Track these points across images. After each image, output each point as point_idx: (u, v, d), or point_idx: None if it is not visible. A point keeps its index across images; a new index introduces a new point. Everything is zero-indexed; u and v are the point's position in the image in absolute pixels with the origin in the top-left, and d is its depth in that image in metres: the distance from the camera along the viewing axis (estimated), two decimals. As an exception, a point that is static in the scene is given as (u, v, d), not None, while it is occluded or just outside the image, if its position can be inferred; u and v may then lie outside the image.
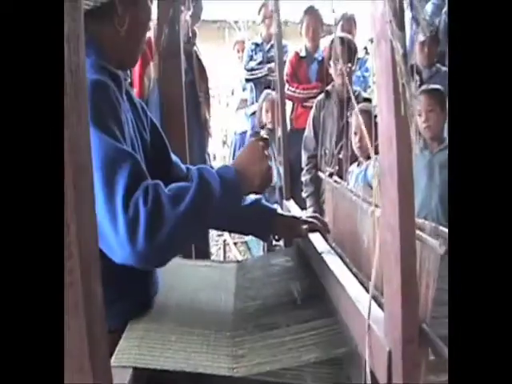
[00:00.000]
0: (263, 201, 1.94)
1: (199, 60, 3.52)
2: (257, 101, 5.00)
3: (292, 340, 1.40)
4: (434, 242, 1.08)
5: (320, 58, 4.59)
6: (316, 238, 1.84)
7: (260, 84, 5.06)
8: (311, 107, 4.20)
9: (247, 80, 5.27)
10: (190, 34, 3.30)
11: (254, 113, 5.08)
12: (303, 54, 4.57)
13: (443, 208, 3.02)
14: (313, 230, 1.90)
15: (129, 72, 1.69)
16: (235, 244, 5.20)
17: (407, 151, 0.87)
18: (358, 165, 3.28)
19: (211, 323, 1.52)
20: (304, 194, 3.91)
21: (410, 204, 0.87)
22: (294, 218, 2.00)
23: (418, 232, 1.11)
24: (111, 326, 0.98)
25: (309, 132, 3.88)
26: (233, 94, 6.63)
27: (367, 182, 3.01)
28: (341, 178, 2.10)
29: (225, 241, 5.13)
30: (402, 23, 0.86)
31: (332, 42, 3.65)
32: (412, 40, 4.12)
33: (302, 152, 3.93)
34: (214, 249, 5.44)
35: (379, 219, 1.09)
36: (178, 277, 1.88)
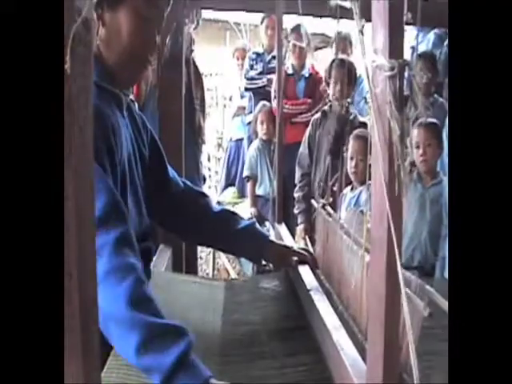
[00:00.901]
0: (257, 225, 1.97)
1: (196, 67, 3.54)
2: (254, 110, 5.03)
3: (276, 375, 1.44)
4: (418, 303, 1.11)
5: (307, 75, 4.67)
6: (305, 272, 1.87)
7: (259, 94, 5.07)
8: (300, 123, 4.27)
9: (246, 89, 5.29)
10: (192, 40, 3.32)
11: (250, 122, 5.11)
12: (290, 71, 4.63)
13: (431, 243, 3.05)
14: (302, 262, 1.94)
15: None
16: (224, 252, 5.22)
17: (398, 227, 0.91)
18: (352, 189, 3.32)
19: (198, 347, 1.55)
20: (296, 211, 3.95)
21: (397, 277, 0.90)
22: (286, 247, 2.03)
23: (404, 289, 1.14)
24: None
25: (304, 149, 3.92)
26: (231, 99, 6.62)
27: (359, 207, 3.05)
28: (334, 205, 2.14)
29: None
30: (402, 104, 0.88)
31: (332, 62, 3.68)
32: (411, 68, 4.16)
33: (296, 168, 3.97)
34: (204, 254, 5.46)
35: (368, 270, 1.13)
36: (168, 293, 1.90)
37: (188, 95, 3.29)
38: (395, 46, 0.89)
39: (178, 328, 1.29)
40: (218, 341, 1.63)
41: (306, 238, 3.87)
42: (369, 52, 0.95)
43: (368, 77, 0.95)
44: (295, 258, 1.95)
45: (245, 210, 4.86)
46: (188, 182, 1.97)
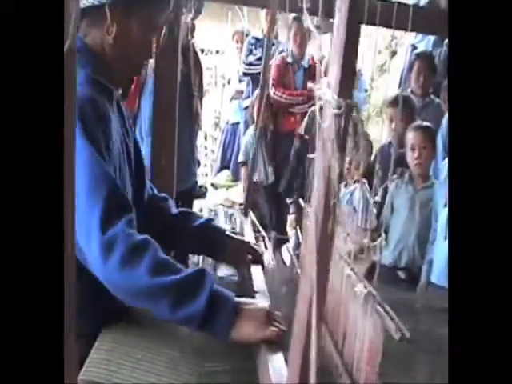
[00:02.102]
0: (213, 222, 1.98)
1: (195, 53, 3.54)
2: (252, 95, 5.02)
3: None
4: (391, 327, 1.13)
5: (306, 66, 4.65)
6: (256, 273, 1.88)
7: (257, 79, 5.05)
8: (296, 113, 4.26)
9: (244, 74, 5.28)
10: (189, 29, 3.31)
11: (247, 107, 5.10)
12: (290, 59, 4.60)
13: (419, 245, 3.09)
14: (256, 262, 1.95)
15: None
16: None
17: (325, 264, 0.94)
18: (346, 185, 3.34)
19: (178, 345, 1.57)
20: (288, 201, 3.98)
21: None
22: (243, 242, 2.02)
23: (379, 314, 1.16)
24: (84, 329, 1.06)
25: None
26: (229, 83, 6.60)
27: (352, 205, 3.07)
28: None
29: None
30: (344, 144, 0.89)
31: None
32: (409, 67, 4.16)
33: (291, 159, 3.99)
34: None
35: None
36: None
37: (186, 81, 3.30)
38: (345, 86, 0.90)
39: (197, 273, 1.42)
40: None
41: (297, 228, 3.91)
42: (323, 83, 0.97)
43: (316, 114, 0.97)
44: (250, 257, 1.95)
45: (238, 194, 4.88)
46: (154, 188, 1.97)
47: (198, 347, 1.56)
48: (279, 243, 3.71)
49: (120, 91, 1.71)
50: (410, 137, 3.14)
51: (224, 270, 2.07)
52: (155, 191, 1.95)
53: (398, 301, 2.04)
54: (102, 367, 1.39)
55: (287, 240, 4.43)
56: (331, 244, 0.96)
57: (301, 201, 2.40)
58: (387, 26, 1.29)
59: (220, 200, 4.84)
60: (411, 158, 3.15)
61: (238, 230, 2.80)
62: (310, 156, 3.59)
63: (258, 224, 3.89)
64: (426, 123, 3.21)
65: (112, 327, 1.56)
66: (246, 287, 1.88)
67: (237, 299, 1.43)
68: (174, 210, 1.93)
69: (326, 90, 0.94)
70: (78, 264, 0.90)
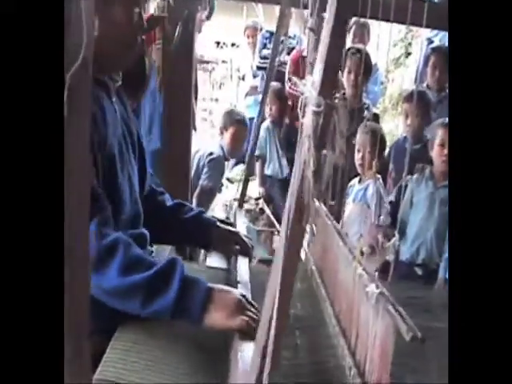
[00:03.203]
0: (204, 214, 2.02)
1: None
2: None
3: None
4: (402, 327, 1.13)
5: None
6: (242, 264, 1.92)
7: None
8: (312, 108, 4.23)
9: (258, 68, 5.27)
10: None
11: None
12: (306, 53, 4.57)
13: (437, 242, 3.06)
14: (244, 253, 1.99)
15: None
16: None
17: (294, 259, 0.95)
18: (360, 181, 3.32)
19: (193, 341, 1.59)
20: (302, 195, 3.98)
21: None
22: (232, 232, 2.05)
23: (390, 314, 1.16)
24: (99, 326, 1.11)
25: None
26: (243, 79, 6.59)
27: (366, 201, 3.06)
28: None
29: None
30: (321, 143, 0.90)
31: (347, 51, 3.65)
32: (425, 61, 4.13)
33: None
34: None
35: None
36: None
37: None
38: (327, 86, 0.90)
39: (168, 264, 1.47)
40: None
41: (312, 223, 3.90)
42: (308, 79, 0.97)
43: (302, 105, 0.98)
44: (237, 247, 1.99)
45: (253, 189, 4.88)
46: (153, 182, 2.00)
47: (214, 347, 1.57)
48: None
49: (119, 82, 1.70)
50: (441, 133, 3.09)
51: (214, 261, 2.05)
52: (153, 186, 1.97)
53: (413, 298, 2.04)
54: (119, 367, 1.41)
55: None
56: (300, 241, 0.99)
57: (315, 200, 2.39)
58: (402, 22, 1.29)
59: (235, 195, 4.84)
60: (439, 154, 3.09)
61: (232, 219, 2.80)
62: (324, 152, 3.60)
63: (272, 218, 3.89)
64: None
65: (128, 326, 1.56)
66: (230, 277, 1.90)
67: (209, 284, 1.47)
68: (169, 203, 1.97)
69: (309, 87, 0.95)
70: None
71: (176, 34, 2.62)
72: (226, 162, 4.63)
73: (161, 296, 1.43)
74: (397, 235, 2.81)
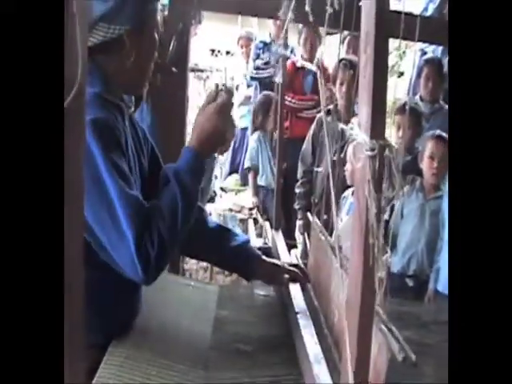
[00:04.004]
0: (250, 244, 2.01)
1: None
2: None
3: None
4: (395, 347, 1.14)
5: (315, 71, 4.64)
6: (295, 291, 1.90)
7: (265, 84, 5.08)
8: (305, 118, 4.26)
9: (252, 78, 5.30)
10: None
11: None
12: (299, 64, 4.62)
13: (428, 253, 3.09)
14: (293, 280, 1.97)
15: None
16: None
17: (370, 293, 0.94)
18: (353, 193, 3.31)
19: (187, 358, 1.59)
20: (296, 206, 4.00)
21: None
22: (277, 265, 2.03)
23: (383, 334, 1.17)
24: (92, 340, 1.09)
25: (307, 146, 3.94)
26: (237, 89, 6.60)
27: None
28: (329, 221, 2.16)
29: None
30: (380, 184, 0.90)
31: (339, 62, 3.67)
32: (418, 72, 4.15)
33: (299, 164, 4.00)
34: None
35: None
36: (162, 296, 1.95)
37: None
38: (377, 126, 0.90)
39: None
40: (207, 353, 1.65)
41: (305, 234, 3.92)
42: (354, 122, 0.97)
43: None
44: (286, 276, 1.98)
45: (247, 198, 4.89)
46: None
47: (207, 360, 1.59)
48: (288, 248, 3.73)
49: (132, 108, 1.73)
50: (431, 146, 3.12)
51: (263, 289, 2.14)
52: None
53: (406, 312, 2.05)
54: (112, 382, 1.41)
55: (295, 245, 4.44)
56: (372, 282, 0.95)
57: (308, 214, 2.42)
58: (394, 36, 1.30)
59: (229, 204, 4.85)
60: (429, 166, 3.14)
61: (270, 244, 2.82)
62: (317, 169, 3.62)
63: (268, 229, 3.90)
64: (445, 134, 3.20)
65: (121, 341, 1.58)
66: (286, 307, 1.92)
67: None
68: (211, 223, 1.98)
69: (357, 131, 0.95)
70: (90, 276, 0.93)
71: (171, 47, 2.63)
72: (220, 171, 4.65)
73: None
74: (389, 252, 2.82)
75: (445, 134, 3.18)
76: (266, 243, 2.91)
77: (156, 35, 1.64)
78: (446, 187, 3.17)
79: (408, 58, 6.27)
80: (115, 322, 1.60)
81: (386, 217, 2.58)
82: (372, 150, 0.89)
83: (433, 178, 3.16)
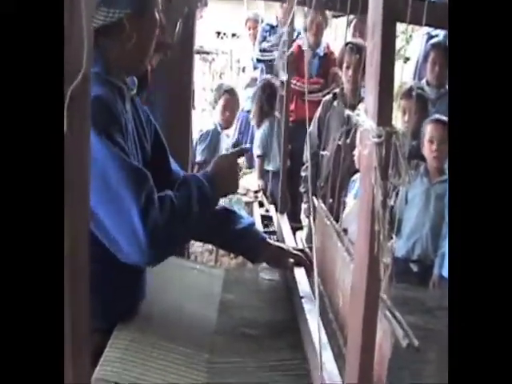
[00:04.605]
0: (255, 226, 2.03)
1: None
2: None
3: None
4: (399, 333, 1.14)
5: (321, 54, 4.66)
6: (300, 276, 1.91)
7: (270, 67, 5.06)
8: (311, 101, 4.25)
9: (258, 60, 5.29)
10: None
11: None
12: (305, 47, 4.60)
13: (433, 238, 3.09)
14: (298, 265, 1.98)
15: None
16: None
17: (376, 280, 0.94)
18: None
19: (192, 342, 1.60)
20: (302, 190, 4.00)
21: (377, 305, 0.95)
22: (282, 249, 2.05)
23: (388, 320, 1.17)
24: (97, 324, 1.08)
25: (313, 129, 3.93)
26: (244, 71, 6.59)
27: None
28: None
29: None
30: (386, 172, 0.90)
31: (345, 45, 3.65)
32: (424, 56, 4.12)
33: (305, 147, 3.99)
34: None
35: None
36: (167, 279, 1.97)
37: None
38: (384, 113, 0.90)
39: None
40: (211, 337, 1.67)
41: (310, 217, 3.92)
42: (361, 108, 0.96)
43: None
44: (291, 260, 1.99)
45: (253, 181, 4.89)
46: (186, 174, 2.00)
47: (211, 344, 1.60)
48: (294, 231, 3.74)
49: (134, 91, 1.73)
50: (429, 129, 3.13)
51: (268, 273, 2.15)
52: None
53: (410, 298, 2.06)
54: (117, 365, 1.42)
55: (301, 227, 4.45)
56: (377, 270, 0.95)
57: (314, 199, 2.41)
58: (401, 20, 1.29)
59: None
60: (429, 150, 3.15)
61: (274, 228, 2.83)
62: (322, 153, 3.61)
63: (271, 211, 3.90)
64: (445, 118, 3.19)
65: (126, 324, 1.59)
66: (292, 291, 1.93)
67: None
68: (217, 206, 1.95)
69: (364, 117, 0.94)
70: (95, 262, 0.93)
71: (176, 30, 2.62)
72: (222, 137, 4.65)
73: None
74: (394, 238, 2.82)
75: (444, 118, 3.20)
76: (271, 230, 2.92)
77: (157, 16, 1.63)
78: (449, 170, 3.18)
79: (415, 42, 6.23)
80: (120, 306, 1.61)
81: (391, 202, 2.58)
82: (379, 136, 0.88)
83: (435, 162, 3.16)
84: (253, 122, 4.97)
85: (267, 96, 4.62)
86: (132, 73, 1.69)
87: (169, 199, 1.51)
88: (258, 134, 4.89)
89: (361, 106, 0.97)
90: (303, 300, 1.74)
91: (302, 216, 4.42)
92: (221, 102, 4.11)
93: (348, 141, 2.77)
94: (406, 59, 5.88)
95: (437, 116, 3.22)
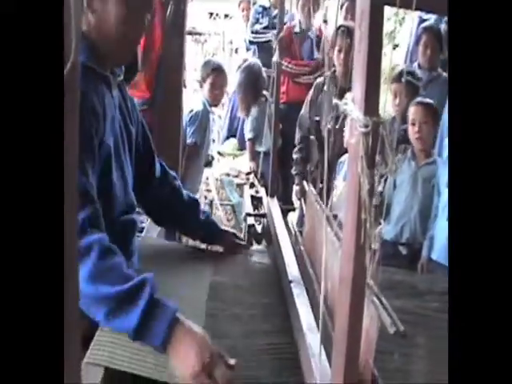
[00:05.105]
0: (211, 215, 2.27)
1: None
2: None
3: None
4: (386, 320, 1.16)
5: (313, 36, 4.64)
6: (291, 262, 1.94)
7: (263, 48, 5.05)
8: (302, 83, 4.25)
9: (251, 42, 5.28)
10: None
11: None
12: (297, 29, 4.60)
13: (421, 220, 3.12)
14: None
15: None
16: (221, 205, 5.27)
17: (362, 271, 0.96)
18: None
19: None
20: (293, 172, 4.02)
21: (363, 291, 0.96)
22: (234, 234, 2.25)
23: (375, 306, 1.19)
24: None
25: (305, 112, 3.93)
26: (236, 52, 6.58)
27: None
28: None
29: (212, 201, 5.22)
30: (373, 161, 0.91)
31: (337, 28, 3.64)
32: (416, 40, 4.12)
33: (296, 130, 4.00)
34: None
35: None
36: (157, 262, 1.97)
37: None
38: (371, 103, 0.90)
39: (139, 284, 1.41)
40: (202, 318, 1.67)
41: (302, 200, 3.95)
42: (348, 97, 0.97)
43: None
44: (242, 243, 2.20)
45: (244, 163, 4.89)
46: (164, 164, 2.06)
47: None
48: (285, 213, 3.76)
49: (121, 76, 1.73)
50: (412, 112, 3.17)
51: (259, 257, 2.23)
52: (167, 168, 2.05)
53: (399, 281, 2.08)
54: (107, 349, 1.42)
55: (293, 209, 4.47)
56: (362, 257, 0.97)
57: (304, 183, 2.43)
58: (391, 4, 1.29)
59: (226, 169, 4.85)
60: (412, 132, 3.18)
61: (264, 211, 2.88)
62: (312, 137, 3.62)
63: (262, 193, 3.92)
64: (427, 100, 3.22)
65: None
66: (281, 276, 1.96)
67: (177, 314, 1.41)
68: (185, 195, 2.07)
69: (352, 106, 0.95)
70: None
71: (168, 13, 2.62)
72: (212, 117, 4.63)
73: (125, 314, 1.38)
74: (383, 223, 2.84)
75: (425, 100, 3.23)
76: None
77: (128, 11, 1.58)
78: (436, 153, 3.21)
79: (407, 25, 6.23)
80: None
81: (380, 188, 2.60)
82: (366, 126, 0.89)
83: (418, 143, 3.20)
84: (240, 113, 4.94)
85: (250, 80, 4.58)
86: (117, 62, 1.69)
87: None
88: (249, 117, 4.88)
89: (348, 95, 0.97)
90: (292, 284, 1.75)
91: (294, 198, 4.44)
92: (209, 81, 4.08)
93: (338, 126, 2.76)
94: (395, 46, 5.88)
95: (419, 99, 3.24)
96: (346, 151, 3.29)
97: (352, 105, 0.94)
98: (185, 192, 2.09)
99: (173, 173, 2.09)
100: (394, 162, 0.91)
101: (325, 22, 4.65)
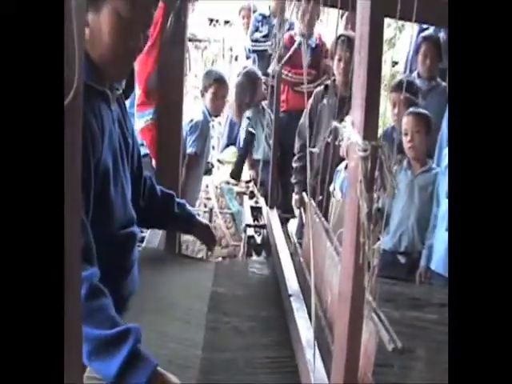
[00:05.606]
0: (187, 205, 2.25)
1: None
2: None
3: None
4: (385, 337, 1.17)
5: (313, 45, 4.65)
6: (290, 276, 1.95)
7: (263, 57, 5.06)
8: (302, 93, 4.25)
9: (250, 50, 5.29)
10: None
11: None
12: (297, 38, 4.61)
13: (419, 229, 3.14)
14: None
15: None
16: (221, 213, 5.28)
17: (360, 290, 0.97)
18: (347, 167, 3.34)
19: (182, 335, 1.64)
20: (293, 181, 4.02)
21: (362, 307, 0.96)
22: (208, 226, 2.34)
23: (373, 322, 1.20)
24: None
25: (304, 120, 3.94)
26: (236, 59, 6.59)
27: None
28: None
29: (211, 209, 5.23)
30: (371, 185, 0.92)
31: (337, 38, 3.66)
32: (415, 49, 4.13)
33: (296, 139, 4.02)
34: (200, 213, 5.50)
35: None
36: (157, 274, 2.01)
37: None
38: (370, 127, 0.92)
39: (123, 332, 1.40)
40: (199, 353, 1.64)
41: (301, 208, 3.95)
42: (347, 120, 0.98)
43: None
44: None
45: (244, 171, 4.90)
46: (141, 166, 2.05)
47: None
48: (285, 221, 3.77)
49: (120, 91, 1.73)
50: (404, 122, 3.20)
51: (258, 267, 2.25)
52: (142, 169, 2.04)
53: (398, 293, 2.08)
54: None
55: (293, 217, 4.48)
56: (361, 280, 0.98)
57: (304, 194, 2.44)
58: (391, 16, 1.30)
59: (226, 177, 4.85)
60: (405, 142, 3.21)
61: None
62: (312, 150, 3.62)
63: (262, 201, 3.93)
64: (419, 109, 3.25)
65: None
66: (280, 288, 1.97)
67: (158, 368, 1.39)
68: (159, 190, 2.12)
69: (351, 131, 0.96)
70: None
71: (168, 24, 2.63)
72: (212, 124, 4.63)
73: (107, 359, 1.37)
74: (381, 238, 2.85)
75: (417, 110, 3.25)
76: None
77: (123, 24, 1.56)
78: (434, 163, 3.23)
79: (407, 32, 6.24)
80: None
81: (379, 205, 2.59)
82: (364, 150, 0.90)
83: (410, 152, 3.22)
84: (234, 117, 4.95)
85: (245, 86, 4.59)
86: (115, 79, 1.69)
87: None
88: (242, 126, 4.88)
89: (348, 119, 0.99)
90: (292, 298, 1.76)
91: (294, 205, 4.45)
92: (210, 90, 4.09)
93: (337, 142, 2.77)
94: (395, 63, 5.89)
95: (411, 109, 3.26)
96: (342, 159, 3.31)
97: (351, 128, 0.95)
98: (158, 188, 2.12)
99: (147, 172, 2.10)
100: (392, 186, 0.92)
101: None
